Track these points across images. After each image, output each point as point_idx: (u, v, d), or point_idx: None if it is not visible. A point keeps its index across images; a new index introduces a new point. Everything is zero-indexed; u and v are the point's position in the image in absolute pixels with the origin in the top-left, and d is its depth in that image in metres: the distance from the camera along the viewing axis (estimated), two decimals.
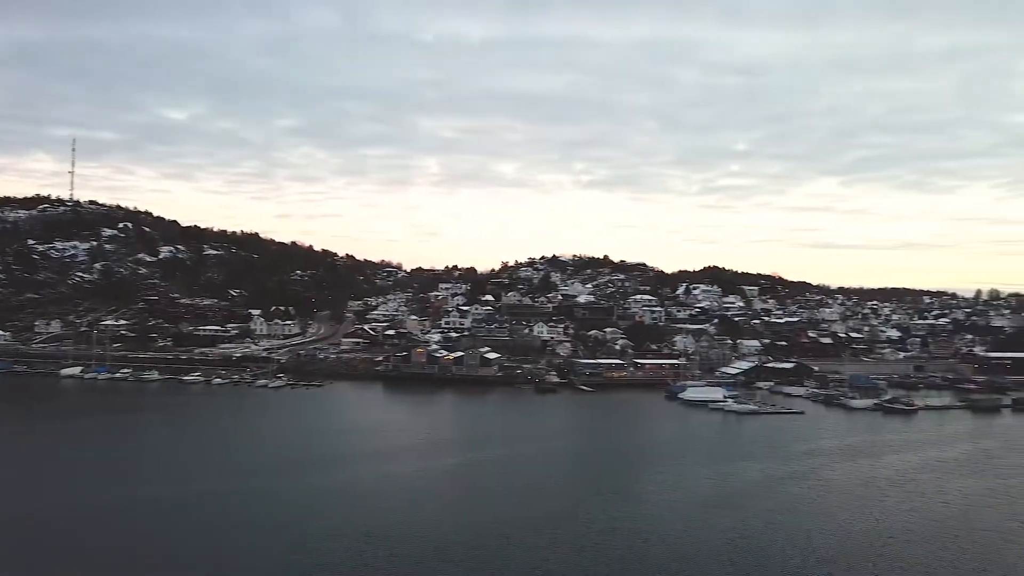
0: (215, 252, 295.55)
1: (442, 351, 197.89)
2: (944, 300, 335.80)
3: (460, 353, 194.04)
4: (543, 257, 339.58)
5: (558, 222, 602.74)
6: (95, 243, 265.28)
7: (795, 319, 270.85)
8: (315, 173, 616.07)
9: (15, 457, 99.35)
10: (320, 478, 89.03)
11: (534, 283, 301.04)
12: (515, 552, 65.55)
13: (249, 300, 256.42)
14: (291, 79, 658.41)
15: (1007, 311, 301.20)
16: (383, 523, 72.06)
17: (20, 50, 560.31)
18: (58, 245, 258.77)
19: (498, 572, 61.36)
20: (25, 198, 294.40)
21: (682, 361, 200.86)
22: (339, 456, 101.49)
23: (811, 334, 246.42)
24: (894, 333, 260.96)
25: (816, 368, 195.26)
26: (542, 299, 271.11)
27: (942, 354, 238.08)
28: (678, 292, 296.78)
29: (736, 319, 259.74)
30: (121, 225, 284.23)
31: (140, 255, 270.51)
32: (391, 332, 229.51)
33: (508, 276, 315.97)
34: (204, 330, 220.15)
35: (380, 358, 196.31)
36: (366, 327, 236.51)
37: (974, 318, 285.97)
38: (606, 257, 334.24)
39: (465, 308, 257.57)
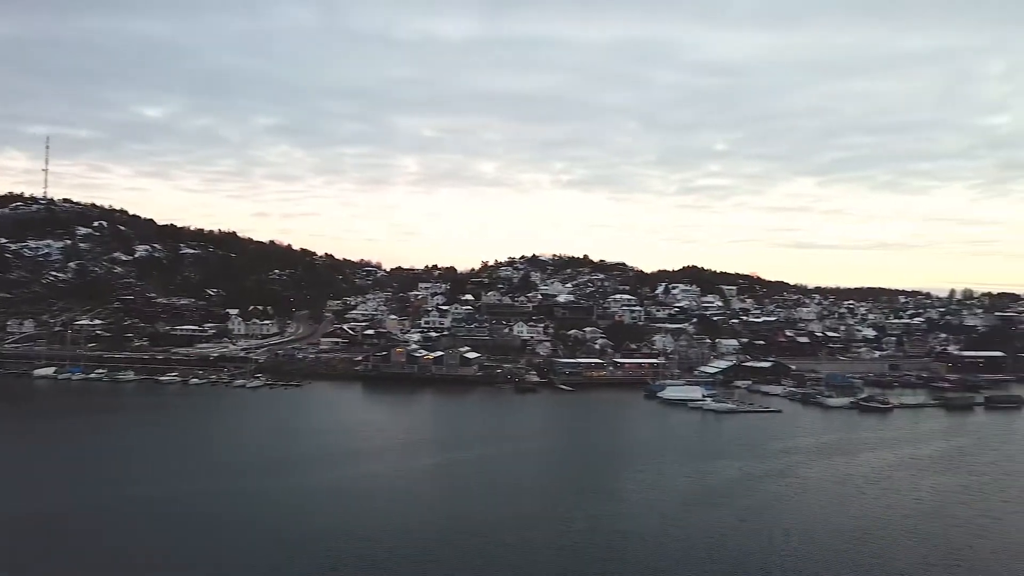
0: (192, 251, 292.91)
1: (422, 351, 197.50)
2: (919, 300, 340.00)
3: (440, 353, 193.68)
4: (523, 257, 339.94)
5: (538, 222, 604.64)
6: (69, 242, 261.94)
7: (773, 318, 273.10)
8: (293, 172, 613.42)
9: None
10: (298, 479, 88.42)
11: (514, 283, 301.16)
12: (496, 551, 65.55)
13: (227, 299, 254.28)
14: (269, 77, 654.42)
15: (980, 310, 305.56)
16: (362, 524, 71.80)
17: None
18: (31, 244, 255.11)
19: (479, 571, 61.33)
20: None
21: (661, 360, 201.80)
22: (317, 457, 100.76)
23: (788, 333, 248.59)
24: (870, 332, 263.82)
25: (793, 367, 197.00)
26: (522, 299, 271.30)
27: (917, 353, 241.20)
28: (657, 292, 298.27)
29: (715, 318, 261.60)
30: (96, 224, 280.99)
31: (115, 254, 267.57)
32: (370, 332, 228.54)
33: (488, 276, 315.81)
34: (181, 330, 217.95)
35: (359, 358, 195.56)
36: (345, 327, 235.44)
37: (948, 317, 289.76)
38: (586, 257, 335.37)
39: (445, 308, 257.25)
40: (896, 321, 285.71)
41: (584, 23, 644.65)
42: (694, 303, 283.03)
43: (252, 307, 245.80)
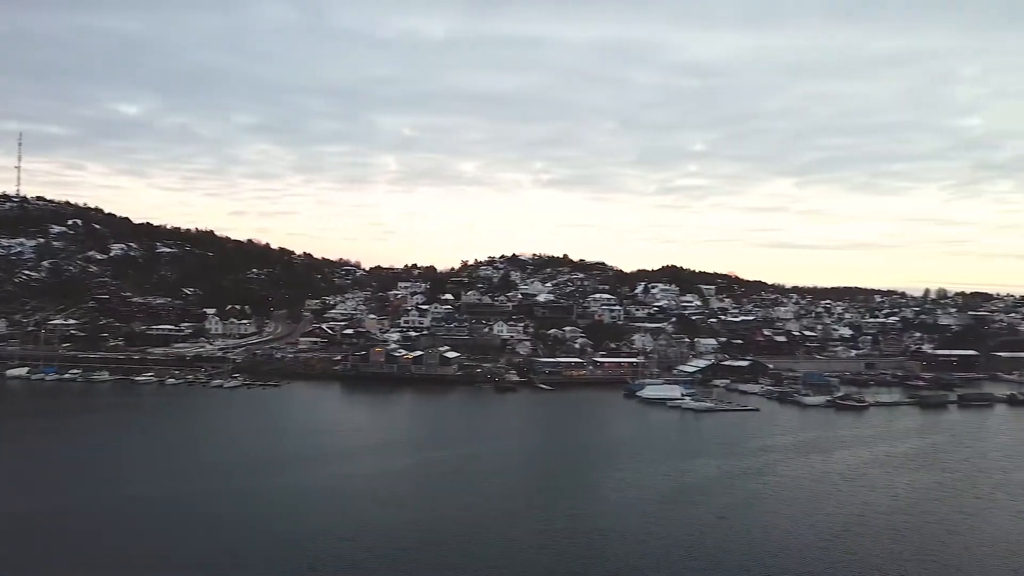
0: (168, 250, 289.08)
1: (401, 350, 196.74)
2: (894, 299, 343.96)
3: (419, 352, 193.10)
4: (503, 256, 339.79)
5: (518, 221, 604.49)
6: (42, 240, 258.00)
7: (751, 318, 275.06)
8: (271, 170, 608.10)
9: None
10: (275, 479, 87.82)
11: (494, 282, 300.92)
12: (476, 550, 65.50)
13: (204, 299, 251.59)
14: (247, 74, 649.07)
15: (954, 310, 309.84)
16: (342, 524, 71.48)
17: None
18: (3, 242, 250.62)
19: (459, 570, 61.24)
20: None
21: (641, 359, 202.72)
22: (295, 457, 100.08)
23: (766, 332, 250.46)
24: (846, 331, 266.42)
25: (771, 366, 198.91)
26: (502, 298, 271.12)
27: (892, 352, 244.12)
28: (636, 291, 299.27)
29: (693, 318, 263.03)
30: (70, 222, 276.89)
31: (90, 252, 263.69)
32: (349, 331, 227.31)
33: (467, 275, 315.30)
34: (157, 329, 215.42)
35: (338, 357, 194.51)
36: (324, 326, 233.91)
37: (922, 316, 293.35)
38: (565, 256, 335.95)
39: (424, 307, 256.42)
40: (872, 320, 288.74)
41: (565, 23, 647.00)
42: (673, 303, 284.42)
43: (230, 306, 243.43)
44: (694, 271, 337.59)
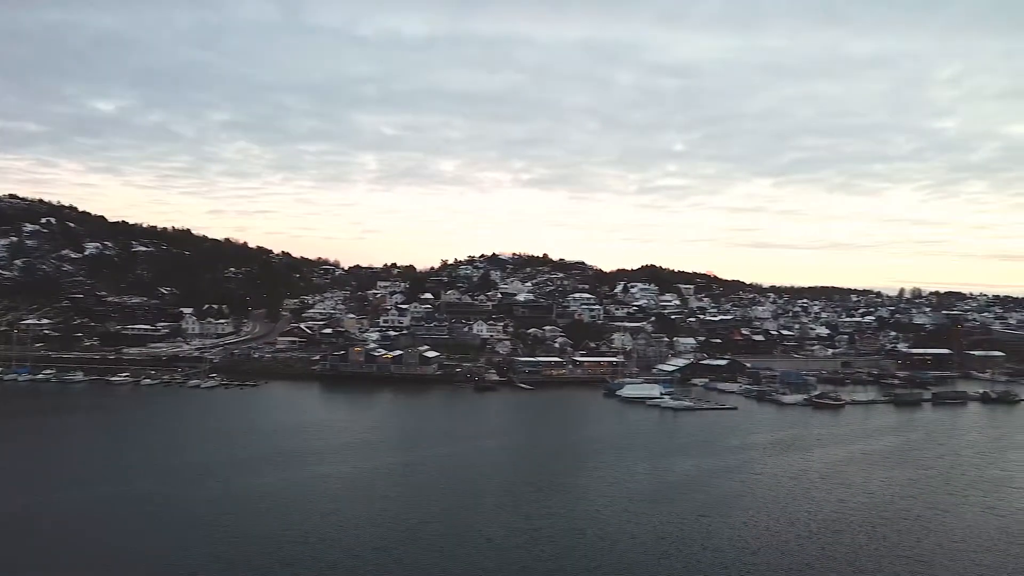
0: (144, 249, 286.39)
1: (380, 350, 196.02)
2: (870, 298, 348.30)
3: (399, 352, 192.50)
4: (483, 255, 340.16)
5: (498, 220, 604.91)
6: (15, 239, 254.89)
7: (729, 317, 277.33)
8: (250, 168, 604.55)
9: None
10: (253, 479, 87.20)
11: (474, 281, 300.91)
12: (454, 548, 65.35)
13: (180, 298, 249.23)
14: (225, 72, 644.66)
15: (928, 309, 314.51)
16: (320, 524, 71.03)
17: None
18: None
19: (437, 568, 61.05)
20: None
21: (620, 359, 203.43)
22: (273, 457, 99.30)
23: (744, 331, 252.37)
24: (823, 331, 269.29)
25: (749, 365, 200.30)
26: (482, 297, 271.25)
27: (868, 351, 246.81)
28: (616, 291, 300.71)
29: (672, 317, 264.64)
30: (44, 220, 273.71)
31: (64, 251, 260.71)
32: (328, 331, 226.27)
33: (447, 274, 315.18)
34: (133, 329, 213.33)
35: (317, 357, 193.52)
36: (302, 326, 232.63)
37: (898, 316, 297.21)
38: (545, 256, 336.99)
39: (404, 306, 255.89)
40: (848, 320, 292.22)
41: (547, 23, 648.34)
42: (652, 302, 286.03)
43: (207, 306, 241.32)
44: (673, 271, 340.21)
